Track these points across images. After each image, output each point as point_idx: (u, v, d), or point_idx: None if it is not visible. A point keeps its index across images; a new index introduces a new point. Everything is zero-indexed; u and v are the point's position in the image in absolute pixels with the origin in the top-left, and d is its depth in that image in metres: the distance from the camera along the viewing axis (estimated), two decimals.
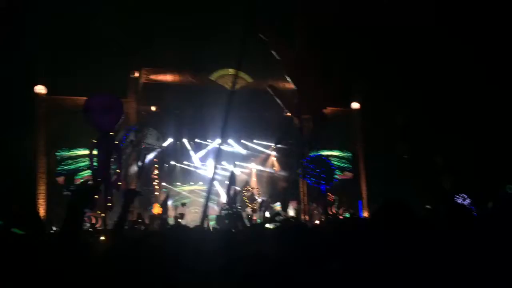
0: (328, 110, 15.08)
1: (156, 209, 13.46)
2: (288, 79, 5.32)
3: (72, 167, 14.53)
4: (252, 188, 14.64)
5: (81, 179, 13.17)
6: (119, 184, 10.80)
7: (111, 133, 10.26)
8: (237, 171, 17.62)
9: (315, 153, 13.70)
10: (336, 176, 13.98)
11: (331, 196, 13.77)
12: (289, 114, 17.07)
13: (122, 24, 13.34)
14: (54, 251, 2.47)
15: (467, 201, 14.12)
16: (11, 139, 12.45)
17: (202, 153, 17.46)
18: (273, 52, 5.39)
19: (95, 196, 2.56)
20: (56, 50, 13.15)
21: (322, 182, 12.89)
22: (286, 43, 5.52)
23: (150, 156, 15.39)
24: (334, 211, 13.08)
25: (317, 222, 13.20)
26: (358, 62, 14.34)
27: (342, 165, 17.95)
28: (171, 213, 13.73)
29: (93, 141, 10.23)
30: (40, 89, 14.06)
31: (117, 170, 10.43)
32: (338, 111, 17.23)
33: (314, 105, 5.47)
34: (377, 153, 16.40)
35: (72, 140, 14.45)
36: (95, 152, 9.73)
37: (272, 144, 17.80)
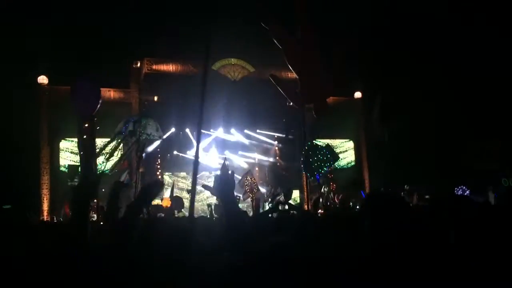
0: (331, 99, 15.08)
1: (166, 202, 13.44)
2: (290, 67, 5.26)
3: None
4: (251, 178, 14.61)
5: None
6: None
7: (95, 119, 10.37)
8: (240, 161, 17.67)
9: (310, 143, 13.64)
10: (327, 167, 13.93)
11: (333, 185, 13.78)
12: (291, 103, 17.13)
13: (125, 14, 13.30)
14: (64, 243, 2.49)
15: (467, 192, 14.15)
16: (14, 130, 12.49)
17: (205, 143, 17.45)
18: (274, 40, 5.33)
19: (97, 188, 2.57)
20: (59, 41, 13.14)
21: (315, 172, 12.84)
22: (287, 31, 5.47)
23: (153, 147, 15.41)
24: (336, 200, 13.08)
25: (320, 211, 13.21)
26: (360, 51, 14.33)
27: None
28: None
29: (85, 126, 10.34)
30: (42, 79, 14.08)
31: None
32: (341, 100, 17.22)
33: (317, 94, 5.42)
34: (380, 142, 16.41)
35: (74, 130, 14.49)
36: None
37: (276, 134, 17.78)
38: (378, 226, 1.69)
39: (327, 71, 5.49)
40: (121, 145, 12.78)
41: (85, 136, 11.10)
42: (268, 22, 5.32)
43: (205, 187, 3.50)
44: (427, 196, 10.61)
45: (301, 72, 5.42)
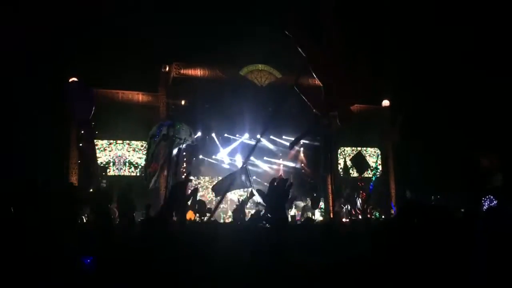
0: (358, 107, 14.91)
1: (189, 215, 13.31)
2: (314, 75, 5.19)
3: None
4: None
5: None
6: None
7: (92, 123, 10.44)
8: (265, 167, 17.61)
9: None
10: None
11: (363, 194, 13.61)
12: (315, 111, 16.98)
13: (155, 19, 13.48)
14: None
15: (494, 202, 13.75)
16: (45, 131, 12.74)
17: (230, 147, 17.49)
18: (298, 48, 5.25)
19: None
20: (90, 44, 13.39)
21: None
22: (311, 39, 5.38)
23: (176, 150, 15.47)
24: (364, 209, 12.90)
25: (345, 220, 13.04)
26: (387, 59, 14.16)
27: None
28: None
29: (82, 133, 10.49)
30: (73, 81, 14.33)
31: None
32: (368, 108, 17.00)
33: (341, 102, 5.31)
34: (407, 151, 16.14)
35: (104, 131, 14.69)
36: None
37: (302, 141, 17.65)
38: (425, 236, 1.64)
39: (352, 79, 5.38)
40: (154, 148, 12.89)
41: (81, 144, 11.21)
42: (291, 29, 5.23)
43: (259, 192, 3.99)
44: (462, 210, 10.30)
45: (325, 80, 5.32)
